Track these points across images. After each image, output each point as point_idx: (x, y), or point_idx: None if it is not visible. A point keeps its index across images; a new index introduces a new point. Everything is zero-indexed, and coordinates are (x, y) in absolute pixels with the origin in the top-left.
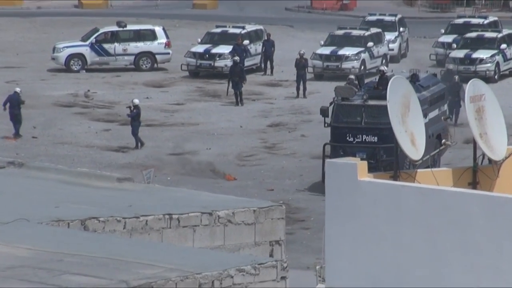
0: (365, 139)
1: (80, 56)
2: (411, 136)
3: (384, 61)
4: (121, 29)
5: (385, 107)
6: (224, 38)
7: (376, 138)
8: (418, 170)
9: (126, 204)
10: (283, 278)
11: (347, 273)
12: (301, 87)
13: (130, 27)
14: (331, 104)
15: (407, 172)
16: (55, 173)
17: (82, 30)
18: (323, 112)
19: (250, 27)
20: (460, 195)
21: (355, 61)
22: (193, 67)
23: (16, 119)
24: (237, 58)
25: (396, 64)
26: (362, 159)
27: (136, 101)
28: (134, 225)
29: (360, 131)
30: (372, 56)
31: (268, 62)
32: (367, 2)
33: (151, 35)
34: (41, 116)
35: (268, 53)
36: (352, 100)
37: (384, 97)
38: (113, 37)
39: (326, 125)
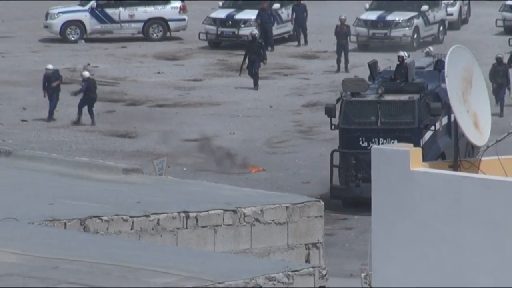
0: (382, 144)
1: (78, 24)
2: (473, 118)
3: (441, 28)
4: None
5: (406, 103)
6: (250, 1)
7: (396, 142)
8: (483, 158)
9: (134, 200)
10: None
11: (397, 281)
12: (343, 60)
13: None
14: (338, 100)
15: (470, 160)
16: (49, 163)
17: None
18: (329, 111)
19: None
20: None
21: (406, 28)
22: (213, 36)
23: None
24: (255, 32)
25: (455, 32)
26: None
27: (86, 73)
28: (143, 225)
29: (375, 133)
30: (427, 22)
31: (301, 31)
32: None
33: None
34: (31, 95)
35: (299, 20)
36: (365, 96)
37: (404, 91)
38: (118, 0)
39: (333, 127)
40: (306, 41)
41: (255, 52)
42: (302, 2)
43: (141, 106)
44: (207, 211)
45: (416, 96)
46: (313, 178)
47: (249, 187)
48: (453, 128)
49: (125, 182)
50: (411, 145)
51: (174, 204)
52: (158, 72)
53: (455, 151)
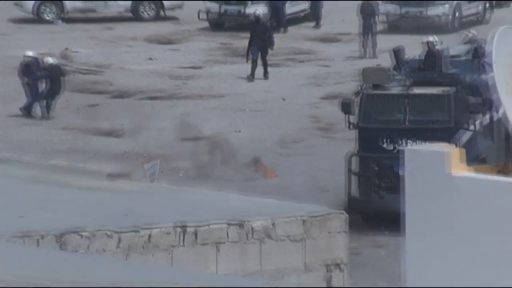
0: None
1: (55, 1)
2: None
3: (487, 5)
4: None
5: (438, 97)
6: None
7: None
8: None
9: (120, 212)
10: None
11: None
12: (369, 43)
13: None
14: (357, 94)
15: None
16: (20, 167)
17: None
18: (345, 106)
19: None
20: None
21: (446, 5)
22: (215, 15)
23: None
24: (259, 12)
25: (505, 9)
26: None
27: (49, 59)
28: (132, 242)
29: (402, 134)
30: None
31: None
32: None
33: None
34: (0, 85)
35: None
36: (389, 88)
37: (436, 83)
38: None
39: (350, 126)
40: (318, 22)
41: (260, 37)
42: None
43: (130, 98)
44: (208, 224)
45: (451, 89)
46: (334, 185)
47: (258, 196)
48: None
49: (110, 189)
50: (453, 145)
51: (168, 216)
52: (150, 58)
53: (505, 153)
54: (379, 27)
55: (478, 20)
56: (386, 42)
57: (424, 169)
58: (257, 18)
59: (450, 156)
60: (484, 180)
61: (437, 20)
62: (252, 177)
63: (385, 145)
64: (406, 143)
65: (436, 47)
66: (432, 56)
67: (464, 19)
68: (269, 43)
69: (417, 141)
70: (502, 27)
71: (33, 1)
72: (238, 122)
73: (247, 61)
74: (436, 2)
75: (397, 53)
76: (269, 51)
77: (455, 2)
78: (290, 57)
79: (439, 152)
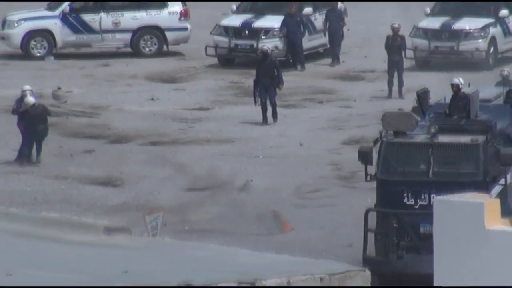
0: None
1: (46, 34)
2: None
3: None
4: None
5: (467, 147)
6: (273, 4)
7: None
8: None
9: (119, 269)
10: None
11: None
12: (396, 81)
13: None
14: (376, 142)
15: None
16: (7, 220)
17: None
18: (364, 156)
19: None
20: None
21: (480, 40)
22: (225, 51)
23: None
24: (267, 47)
25: None
26: (428, 235)
27: (30, 100)
28: None
29: (426, 187)
30: (507, 32)
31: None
32: None
33: (157, 0)
34: None
35: (333, 31)
36: (412, 136)
37: (464, 130)
38: (98, 3)
39: (368, 177)
40: (336, 60)
41: (267, 74)
42: (339, 5)
43: (129, 143)
44: (217, 284)
45: (481, 138)
46: (357, 240)
47: (272, 252)
48: None
49: (108, 245)
50: (487, 195)
51: (172, 274)
52: (152, 99)
53: None
54: (407, 63)
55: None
56: (414, 81)
57: (456, 222)
58: (264, 54)
59: (485, 208)
60: None
61: (470, 55)
62: (267, 231)
63: (406, 200)
64: (430, 198)
65: (463, 90)
66: (459, 100)
67: (500, 55)
68: (278, 82)
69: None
70: None
71: (21, 34)
72: (250, 169)
73: (255, 105)
74: (470, 35)
75: (421, 96)
76: (278, 91)
77: (490, 35)
78: (308, 97)
79: (472, 203)
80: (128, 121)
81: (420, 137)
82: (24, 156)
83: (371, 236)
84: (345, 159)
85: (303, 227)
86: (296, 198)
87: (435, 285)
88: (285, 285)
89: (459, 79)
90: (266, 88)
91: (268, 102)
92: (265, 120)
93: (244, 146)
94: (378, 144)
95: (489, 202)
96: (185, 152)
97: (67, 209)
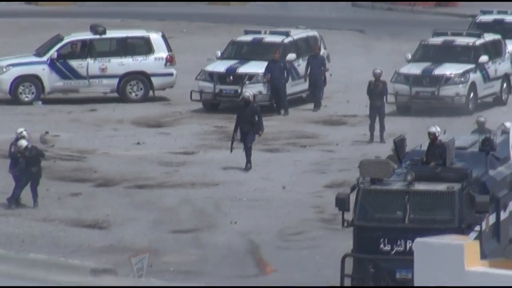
0: (410, 248)
1: (34, 80)
2: None
3: (505, 85)
4: (97, 36)
5: (443, 194)
6: (257, 50)
7: None
8: None
9: None
10: None
11: None
12: (377, 126)
13: (111, 33)
14: (353, 189)
15: None
16: None
17: (37, 39)
18: (341, 202)
19: (297, 33)
20: None
21: (460, 85)
22: (210, 96)
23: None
24: (249, 94)
25: None
26: (404, 280)
27: (23, 142)
28: None
29: (402, 234)
30: (486, 78)
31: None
32: None
33: (144, 46)
34: None
35: (315, 76)
36: (389, 183)
37: (440, 178)
38: (86, 49)
39: (345, 224)
40: (318, 105)
41: (248, 121)
42: (322, 51)
43: (116, 187)
44: None
45: (456, 186)
46: (339, 282)
47: None
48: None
49: (94, 286)
50: (466, 237)
51: None
52: (138, 143)
53: None
54: (388, 108)
55: (495, 101)
56: (395, 125)
57: (435, 263)
58: (246, 101)
59: (464, 250)
60: (500, 275)
61: (451, 101)
62: (250, 274)
63: (382, 246)
64: (406, 244)
65: (440, 137)
66: (436, 148)
67: (479, 100)
68: (258, 127)
69: None
70: None
71: (10, 80)
72: (234, 212)
73: (231, 151)
74: (450, 81)
75: (397, 144)
76: (257, 137)
77: (470, 81)
78: (291, 141)
79: (452, 245)
80: (114, 165)
81: (397, 185)
82: (14, 199)
83: (348, 281)
84: (328, 202)
85: (286, 269)
86: (279, 240)
87: None
88: None
89: (436, 127)
90: (245, 133)
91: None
92: (247, 164)
93: (228, 189)
94: (356, 191)
95: (469, 244)
96: (170, 195)
97: (55, 251)
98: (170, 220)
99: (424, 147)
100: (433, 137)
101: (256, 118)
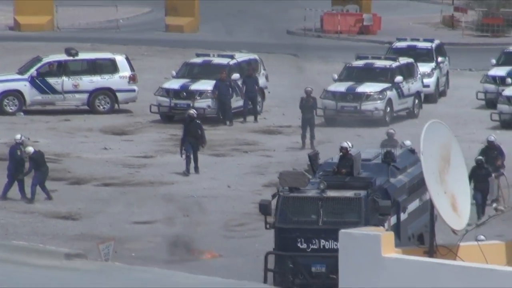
0: (323, 246)
1: (17, 94)
2: (451, 199)
3: (416, 101)
4: (71, 58)
5: (351, 200)
6: (206, 70)
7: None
8: (461, 243)
9: None
10: None
11: None
12: (308, 135)
13: (83, 55)
14: (274, 196)
15: (447, 246)
16: None
17: (19, 60)
18: (264, 208)
19: (241, 57)
20: None
21: (378, 101)
22: (166, 109)
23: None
24: (193, 111)
25: (432, 105)
26: (318, 274)
27: (30, 149)
28: None
29: (316, 234)
30: (401, 95)
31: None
32: (395, 23)
33: (110, 67)
34: None
35: (250, 94)
36: (304, 191)
37: (348, 186)
38: (61, 68)
39: (268, 226)
40: (256, 118)
41: (193, 134)
42: (262, 71)
43: (86, 185)
44: None
45: (362, 193)
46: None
47: (204, 275)
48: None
49: (68, 268)
50: (383, 228)
51: None
52: (105, 148)
53: (430, 236)
54: (318, 120)
55: (408, 115)
56: (324, 135)
57: (357, 251)
58: (191, 117)
59: (381, 239)
60: (411, 261)
61: (370, 114)
62: (195, 259)
63: (299, 244)
64: (320, 243)
65: (350, 151)
66: (346, 161)
67: (395, 114)
68: (201, 141)
69: (330, 241)
70: (431, 121)
71: None
72: (186, 207)
73: (181, 156)
74: (370, 97)
75: (312, 157)
76: (201, 149)
77: (387, 98)
78: (235, 147)
79: (371, 235)
80: (85, 166)
81: (312, 192)
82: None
83: (270, 275)
84: (265, 198)
85: (231, 254)
86: (225, 231)
87: None
88: None
89: (347, 143)
90: (192, 145)
91: (192, 157)
92: (187, 170)
93: (181, 187)
94: (276, 198)
95: (385, 234)
96: (132, 193)
97: (34, 239)
98: (132, 213)
99: (335, 160)
100: (345, 151)
101: (199, 132)
